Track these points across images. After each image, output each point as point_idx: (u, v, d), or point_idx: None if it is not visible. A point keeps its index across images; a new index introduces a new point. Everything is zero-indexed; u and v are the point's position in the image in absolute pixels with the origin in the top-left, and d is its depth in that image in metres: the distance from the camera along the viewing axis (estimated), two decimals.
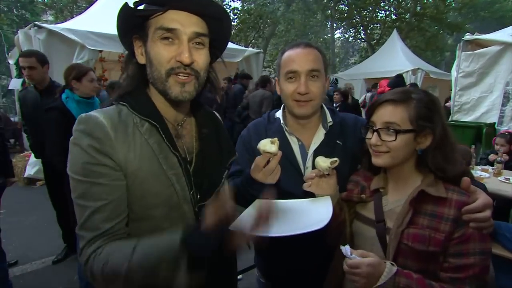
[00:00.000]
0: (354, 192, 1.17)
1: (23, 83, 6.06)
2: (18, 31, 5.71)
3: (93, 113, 0.86)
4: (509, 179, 3.23)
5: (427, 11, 17.17)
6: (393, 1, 18.10)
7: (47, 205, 3.34)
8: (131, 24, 0.88)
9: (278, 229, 0.97)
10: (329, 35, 24.50)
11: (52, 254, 3.35)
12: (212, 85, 1.00)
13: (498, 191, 2.93)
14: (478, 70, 5.83)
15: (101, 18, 5.77)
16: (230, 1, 18.52)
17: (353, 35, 20.23)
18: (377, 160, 1.06)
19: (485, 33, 6.18)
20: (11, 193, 5.09)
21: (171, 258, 0.72)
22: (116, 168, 0.83)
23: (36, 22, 5.30)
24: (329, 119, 1.30)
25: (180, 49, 0.84)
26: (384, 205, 1.09)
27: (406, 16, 17.67)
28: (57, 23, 7.36)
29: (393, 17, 18.56)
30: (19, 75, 6.29)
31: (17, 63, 6.37)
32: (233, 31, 16.88)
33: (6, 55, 9.74)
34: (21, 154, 6.51)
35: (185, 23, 0.84)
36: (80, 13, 7.91)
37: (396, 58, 10.81)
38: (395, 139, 0.99)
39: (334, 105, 6.55)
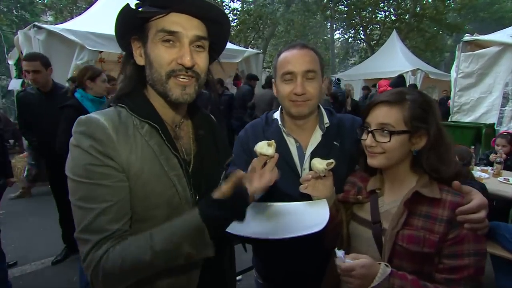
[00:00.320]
0: (350, 193, 1.17)
1: (23, 84, 6.07)
2: (18, 32, 5.71)
3: (93, 115, 0.85)
4: (508, 179, 3.23)
5: (426, 12, 17.18)
6: (392, 2, 18.11)
7: (47, 206, 3.34)
8: (131, 25, 0.88)
9: (276, 232, 0.97)
10: (329, 35, 24.54)
11: (51, 255, 3.35)
12: (209, 87, 1.01)
13: (497, 191, 2.93)
14: (477, 70, 5.84)
15: (100, 19, 5.77)
16: (230, 2, 18.54)
17: (352, 35, 20.24)
18: (372, 161, 1.06)
19: (485, 34, 6.19)
20: (12, 193, 5.10)
21: (194, 234, 0.77)
22: (119, 170, 0.82)
23: (36, 23, 5.28)
24: (326, 120, 1.30)
25: (182, 52, 0.85)
26: (380, 206, 1.09)
27: (406, 17, 17.68)
28: (56, 24, 7.36)
29: (393, 17, 18.56)
30: (19, 76, 6.29)
31: (16, 64, 6.38)
32: (232, 32, 17.01)
33: (6, 56, 9.74)
34: (21, 155, 6.49)
35: (186, 26, 0.85)
36: (80, 14, 7.91)
37: (395, 59, 10.82)
38: (389, 140, 0.99)
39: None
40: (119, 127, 0.85)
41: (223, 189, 0.85)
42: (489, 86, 5.77)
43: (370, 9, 17.97)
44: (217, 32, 0.94)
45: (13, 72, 6.77)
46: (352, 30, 19.83)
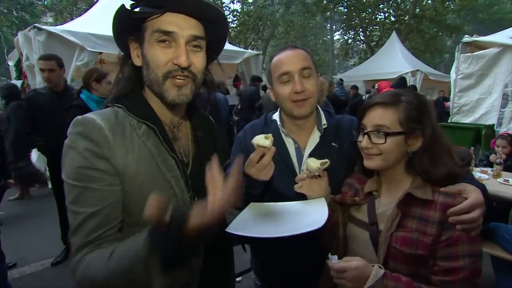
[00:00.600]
0: (348, 194, 1.16)
1: (22, 85, 6.07)
2: (18, 33, 5.72)
3: (89, 115, 0.84)
4: (508, 180, 3.23)
5: (426, 13, 17.23)
6: (392, 3, 18.16)
7: (46, 207, 3.34)
8: (127, 26, 0.87)
9: (276, 231, 0.97)
10: (328, 37, 24.58)
11: (51, 256, 3.34)
12: (208, 88, 1.00)
13: (497, 192, 2.92)
14: (477, 72, 5.84)
15: (100, 20, 5.78)
16: (230, 3, 18.54)
17: (352, 37, 20.27)
18: (368, 163, 1.05)
19: (484, 35, 6.21)
20: (11, 195, 5.09)
21: (143, 260, 0.65)
22: (111, 173, 0.81)
23: (36, 24, 5.29)
24: (324, 121, 1.30)
25: (177, 52, 0.84)
26: (377, 207, 1.08)
27: (405, 18, 17.73)
28: (56, 25, 7.38)
29: (392, 19, 18.61)
30: (19, 77, 6.30)
31: (16, 65, 6.39)
32: (232, 33, 17.05)
33: (6, 57, 9.75)
34: None
35: (182, 26, 0.84)
36: (80, 15, 7.93)
37: (395, 60, 10.85)
38: (385, 142, 0.99)
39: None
40: (115, 127, 0.83)
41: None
42: (488, 87, 5.77)
43: (369, 10, 18.02)
44: (214, 32, 0.92)
45: (13, 74, 6.78)
46: (351, 31, 19.88)
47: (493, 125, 5.64)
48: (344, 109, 6.47)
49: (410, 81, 9.50)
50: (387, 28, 17.99)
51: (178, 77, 0.85)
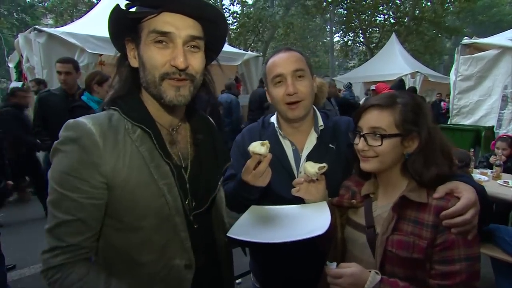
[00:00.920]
0: (345, 197, 1.16)
1: (23, 87, 6.07)
2: (18, 35, 5.73)
3: (81, 119, 0.82)
4: (508, 182, 3.23)
5: (425, 15, 17.27)
6: (391, 5, 18.20)
7: (46, 209, 3.32)
8: (123, 26, 0.84)
9: (277, 236, 0.96)
10: (328, 38, 24.62)
11: None
12: (207, 89, 0.98)
13: (497, 194, 2.92)
14: (476, 73, 5.85)
15: (101, 22, 5.78)
16: (230, 5, 18.57)
17: (352, 38, 20.30)
18: (365, 165, 1.05)
19: (483, 37, 6.22)
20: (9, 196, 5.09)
21: None
22: (96, 183, 0.79)
23: (36, 26, 5.31)
24: (321, 122, 1.31)
25: (175, 53, 0.81)
26: (374, 210, 1.08)
27: (405, 20, 17.76)
28: (57, 27, 7.39)
29: (392, 21, 18.65)
30: (19, 79, 6.31)
31: (17, 67, 6.40)
32: (232, 35, 17.06)
33: (6, 59, 9.76)
34: None
35: (179, 26, 0.81)
36: (80, 17, 7.94)
37: (395, 62, 10.85)
38: (381, 144, 0.99)
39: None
40: (107, 132, 0.81)
41: None
42: (488, 89, 5.78)
43: (369, 12, 18.05)
44: (213, 32, 0.90)
45: (13, 75, 6.78)
46: (351, 33, 19.89)
47: (493, 126, 5.64)
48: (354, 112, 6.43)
49: (409, 82, 9.50)
50: (387, 30, 18.02)
51: (175, 79, 0.83)
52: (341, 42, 20.88)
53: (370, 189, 1.12)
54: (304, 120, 1.28)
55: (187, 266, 0.89)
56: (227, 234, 0.96)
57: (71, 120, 0.82)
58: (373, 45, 18.80)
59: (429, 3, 17.72)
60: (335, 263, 0.96)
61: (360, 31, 19.15)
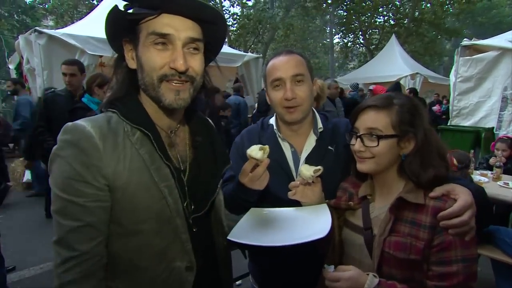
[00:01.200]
0: (342, 199, 1.16)
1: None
2: (19, 36, 5.75)
3: (80, 122, 0.80)
4: (508, 183, 3.22)
5: (425, 17, 17.30)
6: (391, 7, 18.24)
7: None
8: (121, 27, 0.83)
9: (277, 239, 0.96)
10: (328, 40, 24.66)
11: (50, 260, 3.29)
12: (206, 90, 0.97)
13: (497, 195, 2.92)
14: (476, 75, 5.86)
15: (101, 24, 5.67)
16: (230, 6, 18.61)
17: (352, 40, 20.34)
18: (361, 166, 1.05)
19: (483, 39, 6.23)
20: (10, 197, 5.08)
21: None
22: (99, 186, 0.78)
23: (37, 28, 5.32)
24: (320, 125, 1.30)
25: (174, 55, 0.80)
26: (371, 212, 1.08)
27: (405, 22, 17.80)
28: (57, 29, 7.40)
29: (392, 22, 18.69)
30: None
31: (17, 68, 6.41)
32: (232, 36, 17.08)
33: (7, 60, 9.78)
34: (21, 159, 6.48)
35: (179, 27, 0.80)
36: (81, 19, 7.95)
37: (394, 63, 10.87)
38: (378, 145, 0.99)
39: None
40: (107, 135, 0.80)
41: None
42: (488, 90, 5.78)
43: (369, 14, 18.10)
44: (213, 33, 0.89)
45: (14, 77, 6.79)
46: (351, 35, 19.93)
47: (493, 128, 5.64)
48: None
49: (409, 84, 9.52)
50: (387, 31, 18.05)
51: (175, 82, 0.82)
52: (341, 43, 20.91)
53: (367, 191, 1.12)
54: (303, 122, 1.28)
55: (188, 268, 0.89)
56: (227, 237, 0.96)
57: (69, 124, 0.80)
58: (373, 46, 18.84)
59: (428, 5, 17.75)
60: (332, 266, 0.96)
61: (360, 33, 19.19)
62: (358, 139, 1.03)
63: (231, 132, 5.67)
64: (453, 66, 6.27)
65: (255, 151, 1.02)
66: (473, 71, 5.87)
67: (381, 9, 18.25)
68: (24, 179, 5.86)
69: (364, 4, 17.39)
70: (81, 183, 0.76)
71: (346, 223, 1.15)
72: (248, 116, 7.06)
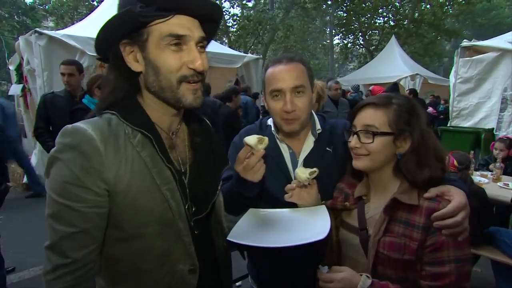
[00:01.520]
0: (338, 200, 1.17)
1: (23, 89, 6.09)
2: (19, 37, 5.74)
3: (80, 124, 0.78)
4: (508, 184, 3.22)
5: (425, 18, 17.34)
6: (391, 8, 18.29)
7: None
8: (127, 29, 0.80)
9: (277, 240, 0.95)
10: (328, 41, 24.68)
11: None
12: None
13: (497, 196, 2.91)
14: (476, 76, 5.87)
15: (101, 25, 5.80)
16: (230, 8, 18.68)
17: (351, 41, 20.37)
18: (357, 163, 1.06)
19: (483, 40, 6.24)
20: (9, 198, 5.08)
21: None
22: (99, 191, 0.76)
23: (37, 29, 5.32)
24: (318, 126, 1.30)
25: (192, 56, 0.80)
26: (366, 212, 1.08)
27: (404, 23, 17.83)
28: (57, 30, 7.41)
29: (391, 23, 18.72)
30: (19, 81, 6.31)
31: (17, 69, 6.41)
32: (232, 37, 17.08)
33: (7, 61, 9.77)
34: None
35: (191, 28, 0.81)
36: (81, 20, 7.97)
37: (394, 64, 10.88)
38: (372, 141, 1.00)
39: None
40: (108, 137, 0.78)
41: None
42: (487, 91, 5.79)
43: (369, 15, 18.14)
44: (210, 30, 0.90)
45: (14, 78, 6.79)
46: (351, 36, 19.96)
47: (493, 129, 5.65)
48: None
49: (409, 85, 9.52)
50: (386, 32, 18.09)
51: (192, 82, 0.82)
52: (341, 44, 20.94)
53: (363, 191, 1.12)
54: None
55: (191, 271, 0.88)
56: (227, 238, 0.96)
57: (68, 126, 0.78)
58: (372, 47, 18.87)
59: (428, 6, 17.79)
60: (326, 267, 0.97)
61: (360, 34, 19.23)
62: (355, 136, 1.05)
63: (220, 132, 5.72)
64: (453, 67, 6.28)
65: (250, 138, 1.01)
66: (472, 72, 5.88)
67: (381, 10, 18.29)
68: (24, 180, 5.86)
69: (364, 5, 17.43)
70: (79, 188, 0.75)
71: (342, 224, 1.15)
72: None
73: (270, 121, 1.37)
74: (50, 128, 3.51)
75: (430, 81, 10.83)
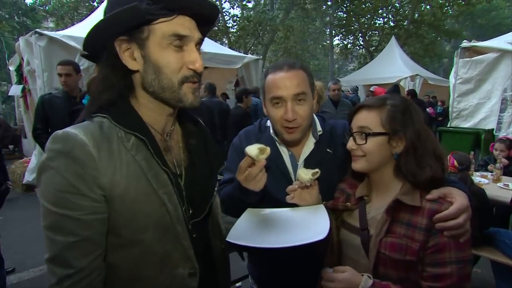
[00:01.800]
0: (339, 200, 1.17)
1: (23, 90, 6.10)
2: (19, 38, 5.76)
3: (70, 129, 0.75)
4: (508, 185, 3.22)
5: (424, 18, 17.36)
6: (391, 9, 18.29)
7: None
8: (134, 25, 0.77)
9: (276, 241, 0.95)
10: (328, 41, 24.68)
11: None
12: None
13: (497, 197, 2.91)
14: (475, 76, 5.87)
15: None
16: (230, 8, 18.71)
17: (351, 41, 20.37)
18: (354, 165, 1.07)
19: (482, 40, 6.25)
20: (9, 199, 5.07)
21: None
22: (97, 198, 0.73)
23: (37, 29, 5.33)
24: (319, 128, 1.29)
25: (192, 56, 0.81)
26: (368, 212, 1.09)
27: (404, 23, 17.84)
28: (57, 30, 7.42)
29: (391, 24, 18.72)
30: (19, 82, 6.32)
31: (17, 70, 6.42)
32: (232, 38, 17.08)
33: (7, 62, 9.80)
34: (20, 160, 6.50)
35: (192, 29, 0.81)
36: (81, 20, 7.98)
37: (394, 65, 10.88)
38: (365, 142, 1.02)
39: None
40: (101, 142, 0.75)
41: None
42: (487, 92, 5.79)
43: (369, 15, 18.14)
44: (205, 32, 0.89)
45: (14, 78, 6.80)
46: (351, 36, 19.96)
47: (493, 129, 5.65)
48: None
49: (409, 85, 9.53)
50: (386, 33, 18.09)
51: (193, 82, 0.82)
52: (340, 45, 20.94)
53: (364, 192, 1.13)
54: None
55: (191, 274, 0.87)
56: (226, 239, 0.96)
57: (58, 132, 0.74)
58: (372, 48, 18.87)
59: (428, 7, 17.81)
60: (332, 270, 0.98)
61: (360, 34, 19.23)
62: (351, 138, 1.07)
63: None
64: (453, 68, 6.29)
65: (251, 149, 1.01)
66: (472, 73, 5.89)
67: (380, 11, 18.29)
68: (24, 181, 5.86)
69: (364, 6, 17.44)
70: (76, 196, 0.72)
71: (343, 224, 1.16)
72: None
73: (269, 123, 1.36)
74: (49, 129, 3.50)
75: (430, 81, 10.83)
